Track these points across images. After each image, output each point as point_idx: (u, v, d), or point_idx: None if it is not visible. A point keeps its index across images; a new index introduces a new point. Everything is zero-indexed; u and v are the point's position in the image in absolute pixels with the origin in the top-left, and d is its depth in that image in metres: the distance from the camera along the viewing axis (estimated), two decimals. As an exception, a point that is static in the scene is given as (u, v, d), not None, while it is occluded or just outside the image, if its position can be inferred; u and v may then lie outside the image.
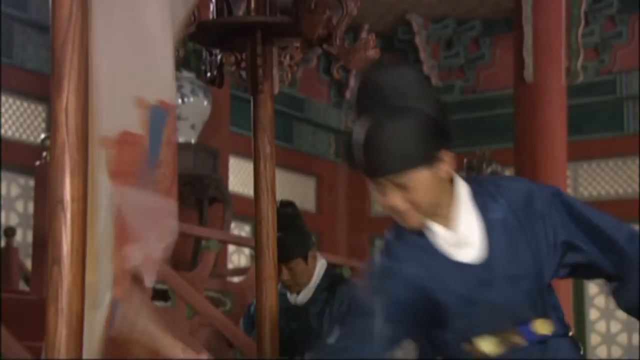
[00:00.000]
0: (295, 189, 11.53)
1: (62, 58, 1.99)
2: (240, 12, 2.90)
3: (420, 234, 2.44)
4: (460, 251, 2.43)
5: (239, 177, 10.77)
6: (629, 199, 10.76)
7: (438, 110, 2.36)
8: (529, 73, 7.97)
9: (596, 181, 11.14)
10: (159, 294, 6.18)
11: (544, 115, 7.95)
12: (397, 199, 2.36)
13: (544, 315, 2.47)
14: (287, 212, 4.05)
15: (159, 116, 2.37)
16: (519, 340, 2.44)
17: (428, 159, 2.33)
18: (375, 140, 2.33)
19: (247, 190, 10.35)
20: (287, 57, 2.89)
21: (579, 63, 8.42)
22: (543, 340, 2.45)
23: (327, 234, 11.91)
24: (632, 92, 10.83)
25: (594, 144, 10.86)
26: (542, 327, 2.46)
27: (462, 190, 2.45)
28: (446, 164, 2.36)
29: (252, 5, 2.82)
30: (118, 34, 2.24)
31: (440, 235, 2.43)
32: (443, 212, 2.42)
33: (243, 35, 2.87)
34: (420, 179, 2.34)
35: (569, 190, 10.21)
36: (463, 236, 2.44)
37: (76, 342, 1.96)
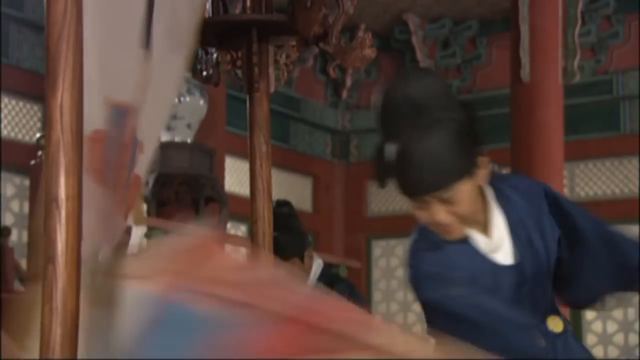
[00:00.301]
0: (292, 189, 11.52)
1: (56, 55, 1.98)
2: (236, 11, 2.89)
3: (451, 241, 2.43)
4: (495, 255, 2.43)
5: (235, 176, 10.76)
6: (626, 199, 10.76)
7: (469, 115, 2.34)
8: (525, 73, 7.97)
9: (592, 181, 11.14)
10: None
11: (541, 115, 7.95)
12: (441, 214, 2.34)
13: (552, 312, 2.48)
14: (283, 212, 4.04)
15: (118, 116, 2.35)
16: (540, 341, 2.44)
17: (470, 168, 2.32)
18: (417, 159, 2.29)
19: (243, 190, 10.35)
20: (283, 56, 2.88)
21: (576, 63, 8.42)
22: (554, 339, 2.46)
23: (324, 234, 11.90)
24: (629, 92, 10.83)
25: (591, 144, 10.86)
26: (554, 324, 2.47)
27: (489, 192, 2.44)
28: (482, 169, 2.35)
29: (248, 3, 2.81)
30: (90, 32, 2.22)
31: (480, 241, 2.42)
32: (479, 218, 2.41)
33: (239, 34, 2.86)
34: (465, 190, 2.32)
35: (566, 190, 10.21)
36: (497, 239, 2.43)
37: (71, 341, 1.94)
